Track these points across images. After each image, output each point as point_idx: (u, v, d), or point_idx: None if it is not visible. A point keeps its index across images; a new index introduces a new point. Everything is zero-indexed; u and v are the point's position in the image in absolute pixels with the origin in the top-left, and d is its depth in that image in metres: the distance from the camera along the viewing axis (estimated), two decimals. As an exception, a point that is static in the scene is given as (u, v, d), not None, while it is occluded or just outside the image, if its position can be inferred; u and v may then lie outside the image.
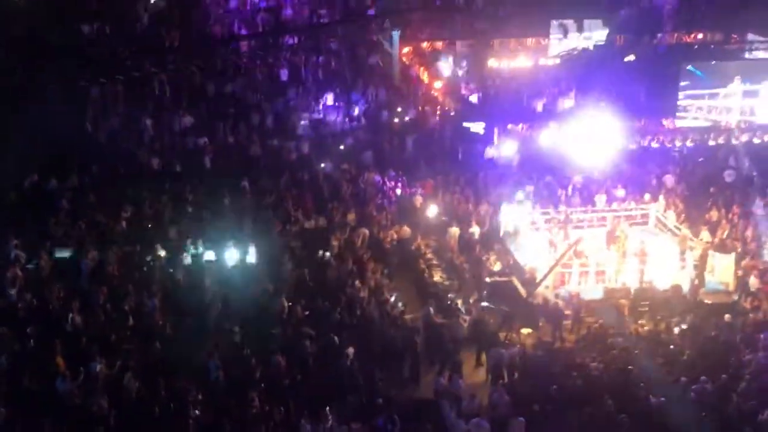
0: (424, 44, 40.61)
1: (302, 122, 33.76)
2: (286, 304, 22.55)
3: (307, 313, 22.54)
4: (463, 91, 36.15)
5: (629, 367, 20.82)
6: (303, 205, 28.19)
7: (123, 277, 23.73)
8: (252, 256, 24.96)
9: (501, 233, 28.23)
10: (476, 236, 27.70)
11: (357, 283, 23.90)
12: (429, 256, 26.77)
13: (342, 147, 32.33)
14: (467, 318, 23.09)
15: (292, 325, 21.93)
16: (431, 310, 23.05)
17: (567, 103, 34.22)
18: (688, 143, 32.54)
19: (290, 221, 27.28)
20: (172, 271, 24.11)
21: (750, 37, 37.06)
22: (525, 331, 23.19)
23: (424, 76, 38.30)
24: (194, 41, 36.08)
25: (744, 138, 32.33)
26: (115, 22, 35.37)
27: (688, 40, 39.60)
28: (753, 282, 25.14)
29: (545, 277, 25.29)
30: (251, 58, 36.59)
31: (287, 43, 38.12)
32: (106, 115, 31.93)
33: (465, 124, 33.43)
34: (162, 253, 24.54)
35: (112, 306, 22.18)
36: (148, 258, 24.47)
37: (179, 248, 24.87)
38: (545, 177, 30.76)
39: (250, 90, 35.00)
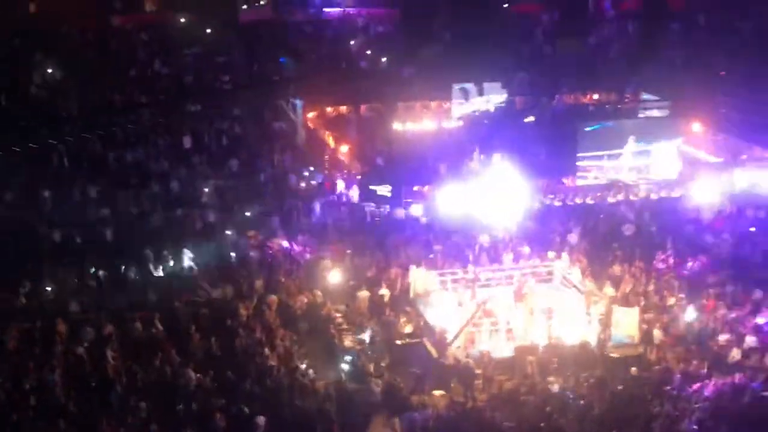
0: (329, 108, 41.17)
1: (206, 189, 33.60)
2: (193, 376, 22.23)
3: (215, 384, 22.23)
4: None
5: (541, 424, 21.06)
6: (209, 273, 27.93)
7: (23, 353, 23.06)
8: (157, 328, 24.58)
9: (411, 295, 28.44)
10: (386, 299, 27.83)
11: (266, 351, 23.72)
12: (339, 320, 26.74)
13: (248, 214, 32.25)
14: (379, 382, 23.09)
15: (201, 398, 21.58)
16: (343, 376, 22.98)
17: (471, 164, 34.91)
18: (589, 200, 33.45)
19: (196, 291, 27.00)
20: (74, 345, 23.53)
21: (644, 96, 38.69)
22: (437, 392, 23.23)
23: (330, 140, 38.70)
24: (93, 110, 35.78)
25: (642, 194, 33.39)
26: (11, 92, 34.96)
27: (585, 100, 41.18)
28: (657, 334, 25.83)
29: (456, 337, 25.52)
30: (153, 126, 36.48)
31: (190, 110, 38.14)
32: (3, 187, 31.30)
33: (372, 187, 33.80)
34: (63, 327, 23.98)
35: (12, 384, 21.52)
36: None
37: (81, 322, 24.35)
38: (452, 237, 31.17)
39: (152, 158, 34.74)
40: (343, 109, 41.64)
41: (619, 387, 22.86)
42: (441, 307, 27.58)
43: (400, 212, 32.89)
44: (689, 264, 29.69)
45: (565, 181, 34.70)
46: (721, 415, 21.39)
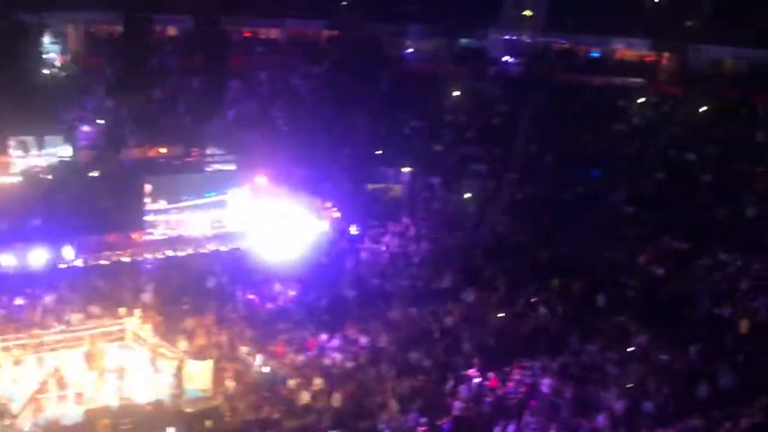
0: None
1: None
2: None
3: None
4: None
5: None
6: None
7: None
8: None
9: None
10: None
11: None
12: None
13: None
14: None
15: None
16: None
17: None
18: (159, 255, 33.46)
19: None
20: None
21: (209, 150, 39.86)
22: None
23: None
24: None
25: (212, 246, 34.13)
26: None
27: (152, 154, 41.41)
28: (230, 385, 26.52)
29: (24, 408, 24.24)
30: None
31: None
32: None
33: None
34: None
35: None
36: None
37: None
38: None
39: None
40: None
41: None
42: (4, 376, 26.00)
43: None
44: (260, 312, 30.96)
45: (133, 236, 34.32)
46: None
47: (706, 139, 43.48)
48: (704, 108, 46.54)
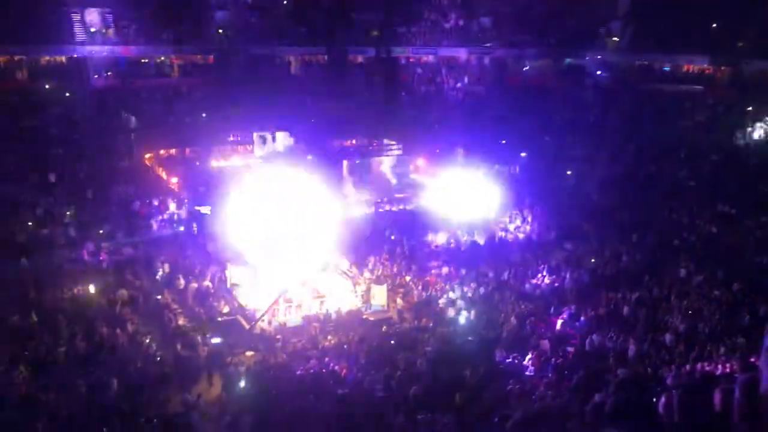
0: (162, 151, 39.78)
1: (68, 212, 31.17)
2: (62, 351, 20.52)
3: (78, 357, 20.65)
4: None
5: (323, 370, 21.20)
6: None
7: None
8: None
9: (228, 285, 27.74)
10: (210, 288, 27.00)
11: (118, 331, 22.43)
12: (174, 306, 25.67)
13: (101, 231, 30.30)
14: (205, 349, 22.43)
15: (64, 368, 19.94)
16: (178, 346, 22.11)
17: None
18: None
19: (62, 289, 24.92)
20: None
21: (386, 141, 40.30)
22: (249, 353, 22.87)
23: (164, 174, 37.30)
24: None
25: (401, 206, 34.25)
26: None
27: (347, 144, 42.20)
28: (399, 302, 26.73)
29: (263, 315, 25.27)
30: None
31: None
32: None
33: (196, 207, 32.68)
34: None
35: None
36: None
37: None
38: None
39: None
40: (173, 151, 40.44)
41: (374, 343, 23.31)
42: (252, 293, 27.15)
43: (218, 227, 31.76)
44: (418, 253, 30.92)
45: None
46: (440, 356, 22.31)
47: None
48: (750, 108, 43.10)
